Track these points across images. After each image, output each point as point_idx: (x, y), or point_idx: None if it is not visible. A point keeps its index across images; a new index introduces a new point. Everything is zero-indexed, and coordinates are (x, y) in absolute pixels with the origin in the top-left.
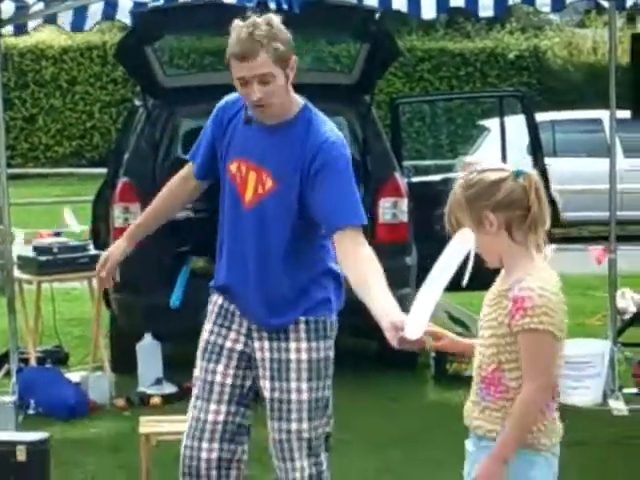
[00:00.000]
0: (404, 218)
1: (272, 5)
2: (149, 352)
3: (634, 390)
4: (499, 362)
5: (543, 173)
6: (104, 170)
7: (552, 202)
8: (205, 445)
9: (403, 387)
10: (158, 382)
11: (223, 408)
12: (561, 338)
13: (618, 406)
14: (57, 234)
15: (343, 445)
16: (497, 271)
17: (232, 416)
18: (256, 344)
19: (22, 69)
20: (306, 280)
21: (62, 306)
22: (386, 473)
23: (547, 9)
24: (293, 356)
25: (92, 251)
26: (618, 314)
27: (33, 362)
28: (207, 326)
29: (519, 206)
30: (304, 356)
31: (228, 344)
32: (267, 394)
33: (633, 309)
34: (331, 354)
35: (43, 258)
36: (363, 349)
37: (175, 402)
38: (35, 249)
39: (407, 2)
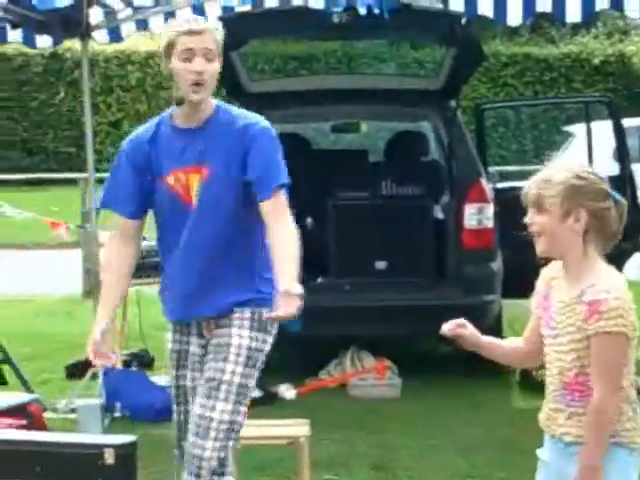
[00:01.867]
0: (489, 224)
1: (362, 10)
2: None
3: None
4: (581, 366)
5: (630, 179)
6: None
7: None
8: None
9: (489, 393)
10: None
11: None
12: (634, 337)
13: None
14: (144, 238)
15: (431, 449)
16: (532, 281)
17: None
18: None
19: (108, 74)
20: (252, 268)
21: (149, 310)
22: (471, 478)
23: (636, 14)
24: (235, 341)
25: None
26: None
27: (119, 365)
28: (170, 335)
29: (606, 224)
30: (245, 342)
31: (192, 348)
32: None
33: None
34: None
35: None
36: (447, 355)
37: (260, 406)
38: None
39: (493, 7)
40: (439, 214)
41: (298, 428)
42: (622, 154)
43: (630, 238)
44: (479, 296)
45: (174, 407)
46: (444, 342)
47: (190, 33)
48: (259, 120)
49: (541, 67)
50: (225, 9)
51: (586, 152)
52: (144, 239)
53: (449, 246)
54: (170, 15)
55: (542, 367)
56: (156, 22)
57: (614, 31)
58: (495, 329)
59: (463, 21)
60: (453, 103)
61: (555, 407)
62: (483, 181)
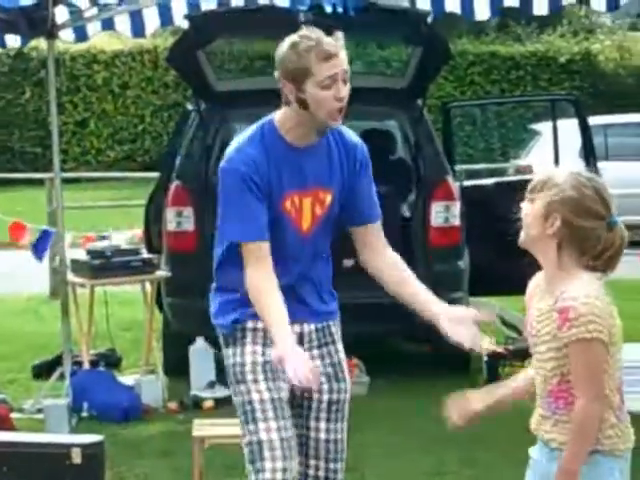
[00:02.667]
0: (456, 222)
1: (328, 8)
2: (202, 355)
3: None
4: (562, 374)
5: None
6: (155, 174)
7: None
8: (295, 462)
9: (456, 390)
10: (211, 385)
11: (292, 422)
12: (613, 342)
13: None
14: (103, 237)
15: (396, 447)
16: (526, 275)
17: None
18: (306, 354)
19: (74, 73)
20: (330, 274)
21: (115, 310)
22: (440, 475)
23: (602, 8)
24: (342, 356)
25: (145, 255)
26: None
27: (86, 365)
28: (253, 348)
29: (584, 241)
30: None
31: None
32: (325, 396)
33: None
34: None
35: (96, 262)
36: (415, 353)
37: (228, 406)
38: (88, 253)
39: (460, 4)
40: (406, 212)
41: None
42: (588, 152)
43: None
44: (446, 294)
45: (266, 424)
46: (411, 340)
47: (329, 58)
48: (363, 144)
49: (507, 65)
50: (191, 6)
51: (552, 150)
52: (104, 238)
53: (416, 244)
54: (136, 14)
55: (509, 365)
56: (122, 21)
57: (580, 29)
58: None
59: (429, 19)
60: (420, 102)
61: (542, 413)
62: (450, 179)
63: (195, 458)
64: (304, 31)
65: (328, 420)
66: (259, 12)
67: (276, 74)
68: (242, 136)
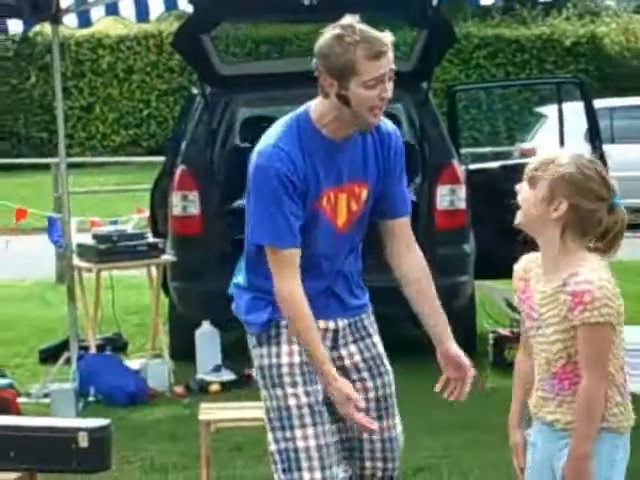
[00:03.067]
0: (462, 205)
1: None
2: (208, 339)
3: None
4: (569, 356)
5: (602, 160)
6: (161, 158)
7: None
8: (341, 468)
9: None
10: (217, 369)
11: (334, 427)
12: (619, 323)
13: None
14: (113, 222)
15: (405, 431)
16: (512, 259)
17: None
18: (343, 351)
19: (79, 58)
20: (360, 267)
21: (121, 294)
22: (447, 458)
23: None
24: (380, 349)
25: (150, 239)
26: None
27: (93, 350)
28: (293, 348)
29: (588, 223)
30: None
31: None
32: (372, 394)
33: None
34: None
35: (102, 246)
36: (418, 336)
37: (234, 389)
38: (94, 237)
39: None
40: (412, 195)
41: None
42: (593, 135)
43: None
44: (452, 277)
45: (303, 431)
46: (417, 324)
47: (378, 56)
48: (396, 130)
49: (513, 49)
50: None
51: (557, 133)
52: (115, 223)
53: (421, 227)
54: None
55: (513, 348)
56: (126, 6)
57: (585, 12)
58: (467, 310)
59: (434, 2)
60: (425, 85)
61: (544, 395)
62: (455, 162)
63: (202, 442)
64: (347, 21)
65: (380, 418)
66: None
67: (315, 64)
68: (276, 129)
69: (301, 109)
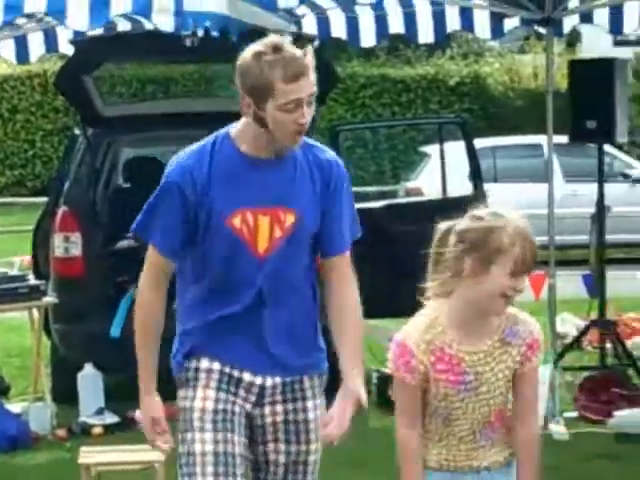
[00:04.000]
0: None
1: (214, 33)
2: (90, 382)
3: (575, 414)
4: (504, 403)
5: (482, 198)
6: (46, 199)
7: None
8: None
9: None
10: (100, 412)
11: None
12: None
13: (559, 430)
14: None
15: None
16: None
17: None
18: (266, 409)
19: None
20: (315, 319)
21: (2, 337)
22: None
23: (486, 35)
24: (311, 416)
25: (32, 281)
26: (558, 338)
27: None
28: (207, 393)
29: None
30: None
31: (237, 409)
32: (282, 458)
33: (574, 332)
34: None
35: None
36: None
37: (117, 432)
38: None
39: (346, 30)
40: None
41: (153, 453)
42: (475, 174)
43: None
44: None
45: None
46: None
47: (296, 78)
48: (338, 160)
49: (398, 88)
50: (76, 31)
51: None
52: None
53: None
54: (21, 39)
55: None
56: (6, 46)
57: (469, 52)
58: None
59: (315, 44)
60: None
61: (474, 447)
62: None
63: None
64: (271, 39)
65: None
66: (145, 37)
67: (236, 82)
68: (193, 145)
69: (224, 129)
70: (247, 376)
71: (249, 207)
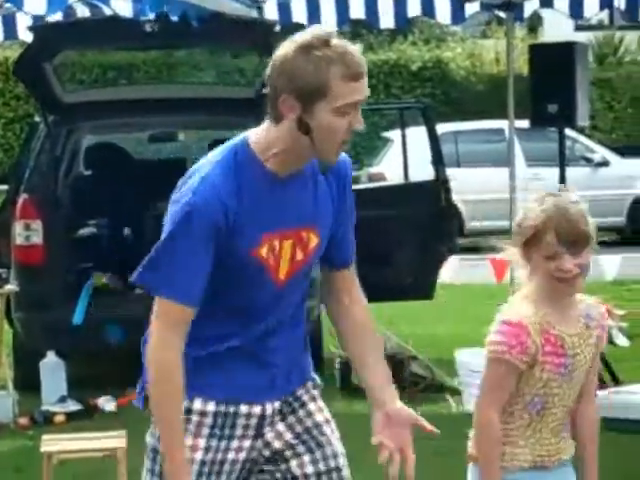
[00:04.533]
0: None
1: (174, 18)
2: (52, 370)
3: None
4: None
5: (444, 183)
6: (7, 187)
7: (456, 212)
8: None
9: None
10: (62, 400)
11: None
12: None
13: None
14: None
15: None
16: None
17: None
18: (268, 435)
19: None
20: (305, 334)
21: None
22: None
23: (447, 20)
24: (319, 418)
25: None
26: None
27: None
28: (196, 442)
29: None
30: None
31: (230, 456)
32: (310, 468)
33: None
34: None
35: None
36: None
37: (80, 420)
38: None
39: (307, 15)
40: None
41: (115, 440)
42: (436, 159)
43: (446, 241)
44: None
45: None
46: None
47: (357, 77)
48: (346, 155)
49: None
50: (35, 18)
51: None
52: None
53: None
54: None
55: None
56: None
57: (431, 38)
58: (314, 334)
59: (277, 29)
60: None
61: (562, 437)
62: None
63: (44, 474)
64: (314, 30)
65: None
66: (105, 23)
67: (269, 79)
68: (209, 161)
69: (238, 138)
70: (244, 408)
71: (275, 232)
